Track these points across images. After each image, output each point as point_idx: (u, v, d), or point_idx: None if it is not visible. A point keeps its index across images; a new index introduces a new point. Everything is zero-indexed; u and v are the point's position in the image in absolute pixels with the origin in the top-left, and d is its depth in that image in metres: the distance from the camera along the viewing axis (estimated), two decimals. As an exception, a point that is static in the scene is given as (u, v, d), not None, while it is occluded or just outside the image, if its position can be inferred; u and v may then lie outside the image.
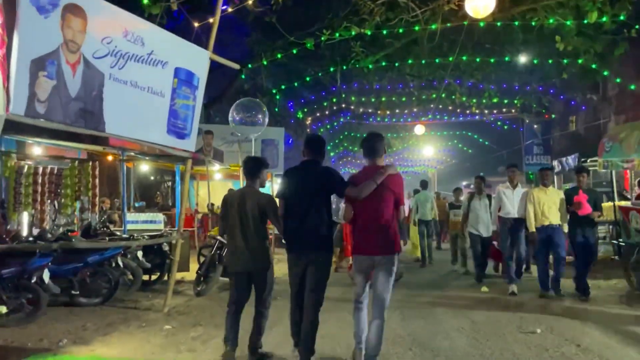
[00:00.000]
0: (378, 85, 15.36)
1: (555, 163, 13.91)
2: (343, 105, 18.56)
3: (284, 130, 15.62)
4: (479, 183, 9.46)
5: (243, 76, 13.85)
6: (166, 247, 8.31)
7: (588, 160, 12.12)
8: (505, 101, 17.20)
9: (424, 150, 33.54)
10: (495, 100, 16.66)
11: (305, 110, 17.37)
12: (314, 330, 4.27)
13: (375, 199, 4.20)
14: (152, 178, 17.12)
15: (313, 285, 4.28)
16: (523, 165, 25.02)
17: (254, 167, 4.74)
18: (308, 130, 18.80)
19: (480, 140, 26.80)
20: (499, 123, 22.17)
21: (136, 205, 13.09)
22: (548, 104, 16.10)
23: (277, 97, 14.07)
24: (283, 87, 14.29)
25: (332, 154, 29.54)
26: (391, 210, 4.25)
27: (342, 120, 22.83)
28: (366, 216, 4.26)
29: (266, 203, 4.57)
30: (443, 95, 16.17)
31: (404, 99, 16.54)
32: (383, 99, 16.60)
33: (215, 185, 15.94)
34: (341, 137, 27.15)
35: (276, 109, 14.82)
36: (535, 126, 24.05)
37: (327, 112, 18.90)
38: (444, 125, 26.14)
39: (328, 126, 22.84)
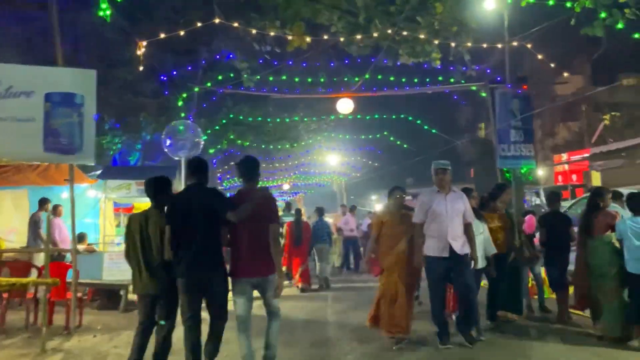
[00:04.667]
0: None
1: None
2: (217, 21, 9.00)
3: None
4: None
5: None
6: None
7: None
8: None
9: (337, 151, 24.80)
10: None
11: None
12: (219, 344, 4.50)
13: (252, 221, 4.38)
14: None
15: (218, 305, 4.44)
16: (496, 158, 17.32)
17: (158, 189, 4.76)
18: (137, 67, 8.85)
19: (426, 127, 18.51)
20: (473, 88, 13.92)
21: None
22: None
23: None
24: None
25: (210, 151, 18.98)
26: (267, 232, 4.43)
27: (220, 77, 13.22)
28: (243, 240, 4.43)
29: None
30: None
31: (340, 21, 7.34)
32: None
33: None
34: (223, 121, 17.30)
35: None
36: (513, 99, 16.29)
37: (182, 35, 9.18)
38: (378, 104, 17.66)
39: (197, 89, 12.96)
